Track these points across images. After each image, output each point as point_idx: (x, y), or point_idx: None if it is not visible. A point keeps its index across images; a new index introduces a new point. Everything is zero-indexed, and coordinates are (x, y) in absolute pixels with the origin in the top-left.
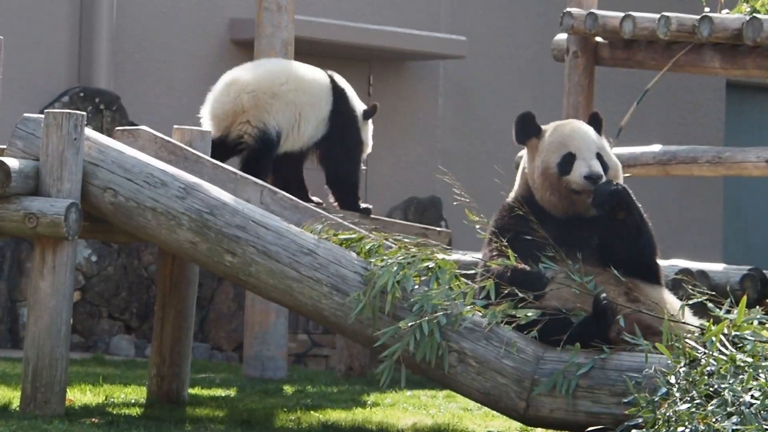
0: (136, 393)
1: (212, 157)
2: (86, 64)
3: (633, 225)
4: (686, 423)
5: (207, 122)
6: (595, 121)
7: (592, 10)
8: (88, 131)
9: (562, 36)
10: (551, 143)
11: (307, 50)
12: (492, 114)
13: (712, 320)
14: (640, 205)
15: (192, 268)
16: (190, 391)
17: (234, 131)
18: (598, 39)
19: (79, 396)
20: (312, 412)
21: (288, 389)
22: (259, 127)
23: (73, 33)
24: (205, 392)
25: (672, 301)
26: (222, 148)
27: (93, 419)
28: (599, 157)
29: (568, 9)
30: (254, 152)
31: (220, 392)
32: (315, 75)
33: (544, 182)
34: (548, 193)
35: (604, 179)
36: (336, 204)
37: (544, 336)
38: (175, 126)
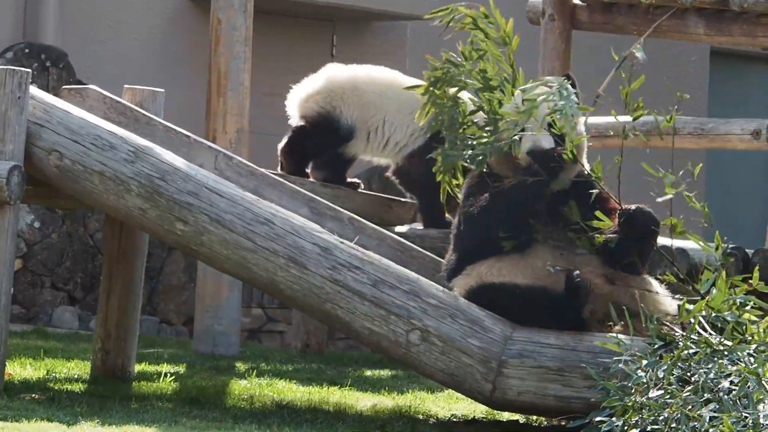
0: (80, 368)
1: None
2: (32, 19)
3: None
4: (658, 411)
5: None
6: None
7: None
8: (33, 90)
9: None
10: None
11: (268, 8)
12: None
13: (686, 301)
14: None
15: (141, 237)
16: (137, 366)
17: (301, 110)
18: (576, 1)
19: (19, 370)
20: (266, 391)
21: (240, 366)
22: (325, 107)
23: None
24: (153, 368)
25: (651, 282)
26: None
27: (33, 395)
28: (554, 124)
29: None
30: (304, 130)
31: (168, 368)
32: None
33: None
34: (504, 167)
35: (550, 150)
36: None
37: (514, 314)
38: (126, 86)
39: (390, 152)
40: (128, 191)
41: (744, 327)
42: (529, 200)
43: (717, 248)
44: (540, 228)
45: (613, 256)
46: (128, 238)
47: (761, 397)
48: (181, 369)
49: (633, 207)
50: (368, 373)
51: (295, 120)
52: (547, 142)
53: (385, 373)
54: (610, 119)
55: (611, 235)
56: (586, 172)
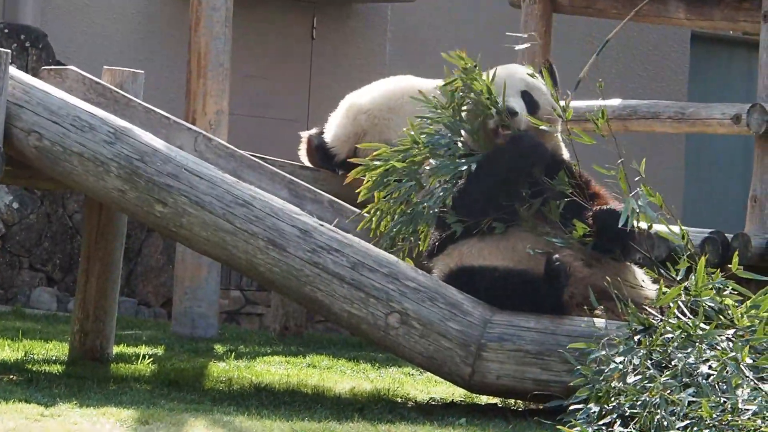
0: (58, 349)
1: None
2: None
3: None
4: (636, 396)
5: (332, 145)
6: (548, 70)
7: None
8: (12, 70)
9: None
10: None
11: None
12: (443, 62)
13: (663, 282)
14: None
15: (120, 218)
16: (115, 348)
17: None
18: None
19: None
20: (244, 373)
21: (219, 348)
22: None
23: None
24: (131, 350)
25: (631, 266)
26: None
27: (11, 376)
28: (526, 95)
29: None
30: None
31: (146, 350)
32: (435, 83)
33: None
34: (474, 138)
35: (520, 115)
36: None
37: (493, 298)
38: (105, 66)
39: None
40: (107, 172)
41: (723, 312)
42: (510, 175)
43: (683, 237)
44: (520, 208)
45: (596, 250)
46: (107, 219)
47: (740, 381)
48: (160, 351)
49: (601, 208)
50: (347, 355)
51: None
52: (518, 106)
53: (364, 356)
54: (591, 103)
55: (587, 239)
56: (563, 155)
